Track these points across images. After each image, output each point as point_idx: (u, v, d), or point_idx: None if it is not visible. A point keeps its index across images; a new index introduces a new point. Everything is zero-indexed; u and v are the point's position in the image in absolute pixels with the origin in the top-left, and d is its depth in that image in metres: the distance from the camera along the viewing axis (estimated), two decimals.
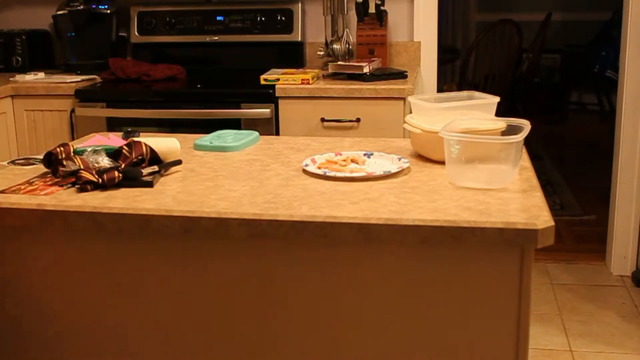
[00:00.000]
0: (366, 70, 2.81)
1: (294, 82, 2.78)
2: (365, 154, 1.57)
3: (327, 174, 1.42)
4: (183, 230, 1.24)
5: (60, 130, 2.95)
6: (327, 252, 1.23)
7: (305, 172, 1.47)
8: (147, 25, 3.34)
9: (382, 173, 1.41)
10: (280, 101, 2.77)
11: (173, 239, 1.27)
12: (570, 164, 5.15)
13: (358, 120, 2.71)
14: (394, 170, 1.43)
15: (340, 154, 1.57)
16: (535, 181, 1.37)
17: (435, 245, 1.18)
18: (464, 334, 1.21)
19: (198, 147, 1.70)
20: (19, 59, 3.32)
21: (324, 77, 2.94)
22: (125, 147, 1.48)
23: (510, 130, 1.41)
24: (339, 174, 1.41)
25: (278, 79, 2.80)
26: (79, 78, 3.04)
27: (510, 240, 1.14)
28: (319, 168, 1.47)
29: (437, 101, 1.62)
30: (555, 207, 4.12)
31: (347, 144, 1.73)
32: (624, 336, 2.69)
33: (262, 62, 3.25)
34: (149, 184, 1.39)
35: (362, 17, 3.05)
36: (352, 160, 1.53)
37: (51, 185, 1.41)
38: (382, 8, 3.06)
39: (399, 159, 1.51)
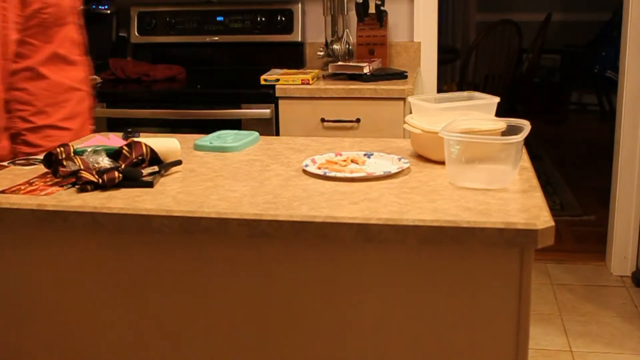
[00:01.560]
0: (366, 70, 2.81)
1: (294, 83, 2.78)
2: (365, 154, 1.57)
3: (327, 174, 1.42)
4: (183, 231, 1.24)
5: None
6: (327, 252, 1.23)
7: (305, 172, 1.47)
8: (147, 26, 3.34)
9: (382, 173, 1.41)
10: (280, 101, 2.77)
11: (173, 239, 1.28)
12: (570, 164, 5.15)
13: (358, 120, 2.71)
14: (394, 170, 1.43)
15: (340, 154, 1.57)
16: (535, 181, 1.37)
17: (435, 245, 1.18)
18: (464, 334, 1.21)
19: (198, 148, 1.70)
20: None
21: (324, 77, 2.94)
22: (125, 147, 1.48)
23: (510, 131, 1.41)
24: (339, 175, 1.41)
25: (278, 79, 2.80)
26: None
27: (510, 241, 1.15)
28: (319, 168, 1.47)
29: (437, 101, 1.62)
30: (555, 207, 4.12)
31: (347, 144, 1.73)
32: (624, 336, 2.69)
33: (262, 62, 3.25)
34: (149, 184, 1.39)
35: (362, 17, 3.05)
36: (352, 161, 1.53)
37: (51, 185, 1.41)
38: (382, 8, 3.06)
39: (399, 159, 1.51)
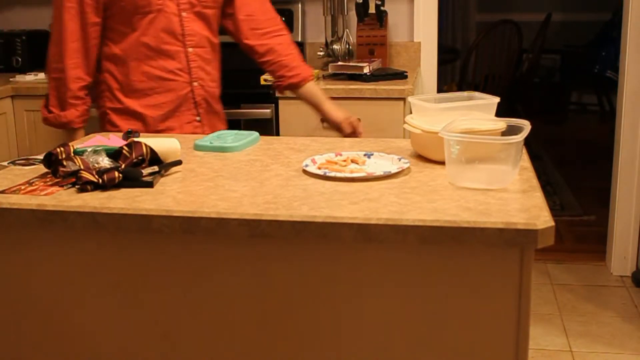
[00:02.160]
0: (366, 70, 2.81)
1: None
2: (365, 154, 1.57)
3: (327, 174, 1.42)
4: (183, 231, 1.24)
5: (61, 131, 2.95)
6: (327, 252, 1.23)
7: (305, 172, 1.47)
8: None
9: (382, 173, 1.41)
10: (280, 101, 2.77)
11: (173, 239, 1.28)
12: (570, 164, 5.15)
13: (358, 120, 2.71)
14: (393, 170, 1.43)
15: (340, 154, 1.57)
16: (535, 181, 1.37)
17: (435, 245, 1.18)
18: (464, 334, 1.21)
19: (198, 148, 1.70)
20: (19, 59, 3.32)
21: (324, 77, 2.94)
22: (125, 147, 1.48)
23: (510, 131, 1.41)
24: (338, 175, 1.41)
25: None
26: None
27: (510, 241, 1.14)
28: (319, 168, 1.47)
29: (437, 101, 1.62)
30: (555, 207, 4.12)
31: (347, 144, 1.73)
32: (624, 336, 2.69)
33: None
34: (149, 184, 1.39)
35: (362, 17, 3.05)
36: (353, 161, 1.53)
37: (51, 185, 1.41)
38: (382, 8, 3.06)
39: (399, 159, 1.51)
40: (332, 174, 1.42)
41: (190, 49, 2.04)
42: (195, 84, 2.07)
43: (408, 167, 1.47)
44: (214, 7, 2.10)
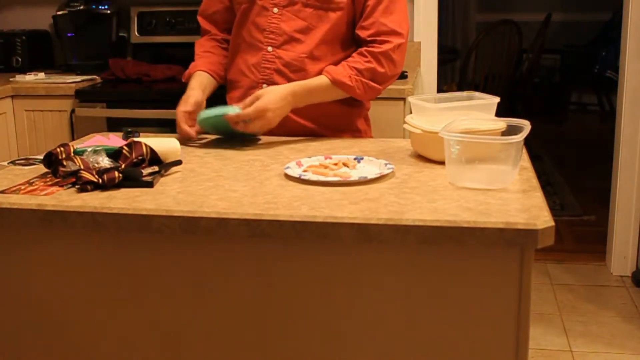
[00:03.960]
0: None
1: None
2: (355, 158, 1.54)
3: (302, 177, 1.40)
4: (183, 231, 1.24)
5: (60, 131, 2.95)
6: (327, 252, 1.23)
7: (286, 176, 1.44)
8: (147, 26, 3.34)
9: (357, 179, 1.39)
10: None
11: (173, 239, 1.27)
12: (570, 164, 5.15)
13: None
14: (371, 176, 1.41)
15: (330, 158, 1.55)
16: (535, 181, 1.37)
17: (435, 245, 1.18)
18: (464, 334, 1.21)
19: (201, 121, 1.79)
20: (19, 59, 3.32)
21: None
22: (125, 147, 1.48)
23: (510, 131, 1.41)
24: (313, 178, 1.39)
25: None
26: (79, 78, 3.04)
27: (511, 241, 1.15)
28: (305, 171, 1.45)
29: (437, 101, 1.62)
30: (555, 208, 4.12)
31: (347, 144, 1.73)
32: (624, 336, 2.69)
33: None
34: (149, 184, 1.39)
35: None
36: (344, 164, 1.50)
37: (51, 185, 1.41)
38: None
39: (385, 164, 1.47)
40: (307, 177, 1.40)
41: (269, 48, 1.88)
42: (264, 85, 1.88)
43: (392, 172, 1.44)
44: (319, 8, 1.85)
